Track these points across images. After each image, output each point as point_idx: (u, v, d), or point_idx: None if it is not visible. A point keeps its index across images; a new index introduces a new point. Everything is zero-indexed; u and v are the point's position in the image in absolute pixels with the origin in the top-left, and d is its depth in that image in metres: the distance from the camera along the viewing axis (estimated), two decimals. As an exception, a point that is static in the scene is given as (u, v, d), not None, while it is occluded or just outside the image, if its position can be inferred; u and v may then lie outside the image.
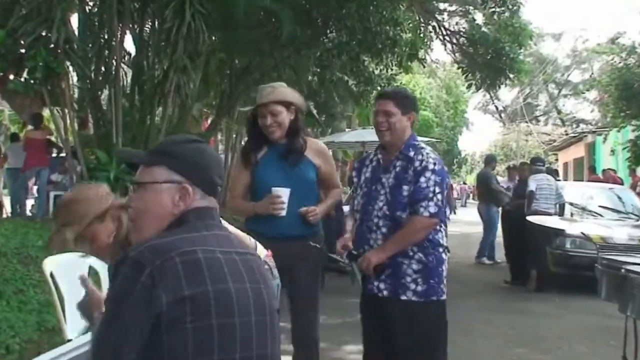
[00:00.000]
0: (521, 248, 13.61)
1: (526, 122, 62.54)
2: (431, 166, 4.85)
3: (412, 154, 4.94)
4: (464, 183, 67.89)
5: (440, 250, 4.99)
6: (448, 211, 5.43)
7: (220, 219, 2.77)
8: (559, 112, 71.11)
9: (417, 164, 4.88)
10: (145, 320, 2.32)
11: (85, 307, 2.98)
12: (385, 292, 4.97)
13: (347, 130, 26.81)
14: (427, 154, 4.92)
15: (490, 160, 18.54)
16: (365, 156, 5.44)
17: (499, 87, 21.84)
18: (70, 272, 5.12)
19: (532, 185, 13.35)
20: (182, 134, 3.10)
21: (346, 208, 16.32)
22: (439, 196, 4.83)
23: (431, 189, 4.81)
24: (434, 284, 4.92)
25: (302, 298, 5.44)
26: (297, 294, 5.41)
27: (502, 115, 76.43)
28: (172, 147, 2.72)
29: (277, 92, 5.33)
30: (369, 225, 5.04)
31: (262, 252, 4.32)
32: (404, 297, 4.90)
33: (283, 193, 5.16)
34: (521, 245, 13.56)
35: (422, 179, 4.83)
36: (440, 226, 4.99)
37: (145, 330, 2.32)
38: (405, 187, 4.88)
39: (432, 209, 4.80)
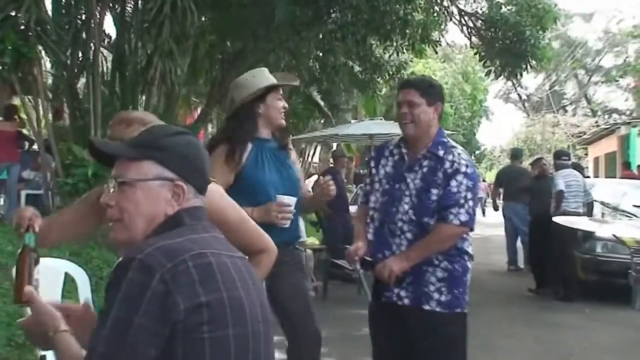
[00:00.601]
0: (546, 253, 13.57)
1: (552, 112, 62.49)
2: (463, 169, 4.83)
3: (441, 153, 4.91)
4: (484, 180, 67.78)
5: (466, 258, 4.99)
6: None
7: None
8: (589, 101, 71.09)
9: (447, 165, 4.85)
10: (160, 330, 2.29)
11: (34, 327, 2.67)
12: (406, 301, 4.94)
13: (352, 121, 26.75)
14: (459, 154, 4.89)
15: (518, 154, 18.55)
16: (384, 145, 5.34)
17: (520, 75, 21.75)
18: (45, 280, 5.11)
19: (560, 184, 13.21)
20: (166, 125, 3.06)
21: (353, 209, 16.44)
22: (471, 202, 4.83)
23: (462, 194, 4.80)
24: (458, 294, 4.92)
25: (300, 303, 5.42)
26: (294, 300, 5.37)
27: (526, 104, 76.48)
28: (161, 139, 2.66)
29: (289, 77, 5.36)
30: (392, 229, 4.98)
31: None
32: (426, 307, 4.88)
33: (291, 202, 5.09)
34: (546, 249, 13.52)
35: (453, 183, 4.81)
36: (468, 234, 4.99)
37: (161, 340, 2.30)
38: (434, 191, 4.85)
39: (463, 217, 4.80)
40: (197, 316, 2.32)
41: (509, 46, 19.29)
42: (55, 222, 4.09)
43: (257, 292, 2.62)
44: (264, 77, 5.33)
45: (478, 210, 5.98)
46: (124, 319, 2.30)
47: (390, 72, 21.60)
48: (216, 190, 4.01)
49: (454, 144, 5.02)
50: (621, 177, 24.36)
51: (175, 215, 2.60)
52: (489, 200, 47.73)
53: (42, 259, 3.10)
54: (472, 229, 4.91)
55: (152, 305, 2.28)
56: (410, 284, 4.91)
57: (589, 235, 12.88)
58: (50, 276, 5.45)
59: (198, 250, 2.43)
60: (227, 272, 2.48)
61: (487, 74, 22.18)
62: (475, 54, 21.75)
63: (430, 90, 5.01)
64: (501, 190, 18.57)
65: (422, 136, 4.98)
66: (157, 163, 2.60)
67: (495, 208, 18.32)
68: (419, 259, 4.85)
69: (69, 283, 5.68)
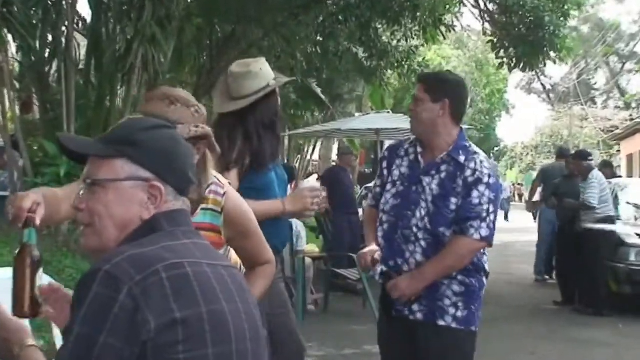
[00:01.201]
0: (575, 262, 13.53)
1: (581, 104, 62.48)
2: (486, 179, 4.84)
3: (462, 159, 4.92)
4: (514, 182, 67.69)
5: (482, 274, 5.01)
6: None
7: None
8: (622, 92, 71.03)
9: (468, 173, 4.87)
10: (129, 350, 2.25)
11: None
12: (418, 315, 4.96)
13: (356, 115, 26.69)
14: (481, 162, 4.90)
15: (565, 153, 18.50)
16: (399, 144, 5.36)
17: (537, 68, 21.50)
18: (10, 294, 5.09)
19: (596, 199, 13.07)
20: (144, 117, 3.03)
21: (360, 212, 16.42)
22: (492, 216, 4.85)
23: (485, 207, 4.81)
24: (474, 310, 4.94)
25: (285, 313, 5.50)
26: (279, 310, 5.44)
27: (551, 95, 76.40)
28: (136, 134, 2.61)
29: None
30: (406, 235, 4.97)
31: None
32: (441, 323, 4.90)
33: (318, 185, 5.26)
34: (575, 258, 13.48)
35: (475, 194, 4.83)
36: (485, 249, 5.01)
37: None
38: (453, 200, 4.87)
39: (484, 232, 4.81)
40: (170, 334, 2.28)
41: (525, 34, 19.11)
42: (65, 197, 3.81)
43: (246, 306, 2.58)
44: (269, 68, 5.43)
45: (500, 214, 5.97)
46: (88, 337, 2.26)
47: (399, 59, 21.52)
48: (238, 195, 4.07)
49: (476, 149, 5.03)
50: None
51: (151, 219, 2.56)
52: (515, 202, 47.32)
53: (8, 270, 3.03)
54: (490, 245, 4.92)
55: (119, 323, 2.24)
56: (424, 298, 4.92)
57: (622, 242, 12.84)
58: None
59: (173, 259, 2.39)
60: (207, 283, 2.44)
61: (500, 66, 21.89)
62: (489, 42, 21.50)
63: (437, 85, 5.02)
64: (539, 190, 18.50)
65: (427, 135, 5.03)
66: (131, 161, 2.57)
67: (530, 210, 18.22)
68: (434, 278, 4.87)
69: (39, 295, 5.66)
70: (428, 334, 4.94)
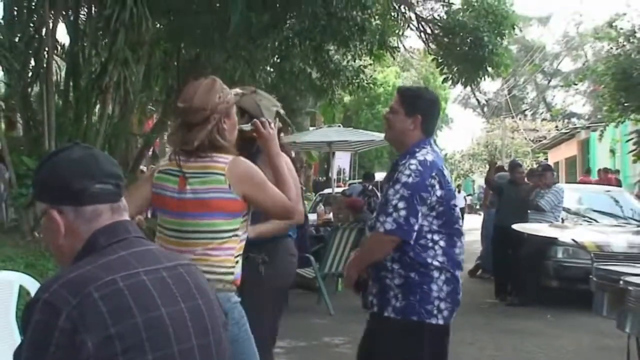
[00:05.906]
0: (510, 259, 13.60)
1: (512, 117, 62.78)
2: (404, 178, 4.80)
3: (401, 161, 4.96)
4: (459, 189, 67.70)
5: (428, 268, 4.87)
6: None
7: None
8: (548, 105, 71.62)
9: (397, 175, 4.86)
10: None
11: None
12: (375, 308, 5.00)
13: (310, 128, 26.78)
14: (410, 163, 4.84)
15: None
16: None
17: (478, 83, 21.91)
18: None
19: (553, 201, 13.40)
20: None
21: (312, 217, 16.34)
22: (403, 212, 4.75)
23: (393, 202, 4.77)
24: (414, 301, 4.85)
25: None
26: None
27: (485, 109, 76.86)
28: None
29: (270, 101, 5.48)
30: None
31: None
32: (386, 314, 4.90)
33: None
34: (510, 255, 13.57)
35: (390, 192, 4.83)
36: (427, 244, 4.87)
37: None
38: None
39: (389, 225, 4.76)
40: (108, 349, 2.28)
41: (467, 52, 19.40)
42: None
43: (192, 303, 2.56)
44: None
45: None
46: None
47: (349, 77, 21.52)
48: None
49: (422, 153, 4.94)
50: (579, 182, 24.55)
51: (90, 238, 2.54)
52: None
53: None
54: (404, 240, 4.79)
55: (61, 347, 2.26)
56: (377, 291, 4.97)
57: (550, 241, 12.91)
58: (5, 289, 5.40)
59: (106, 277, 2.37)
60: (142, 292, 2.42)
61: (445, 81, 22.33)
62: (433, 60, 21.88)
63: (413, 100, 5.04)
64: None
65: (396, 143, 5.15)
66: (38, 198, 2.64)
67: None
68: (360, 265, 5.05)
69: (24, 296, 5.61)
70: (377, 325, 5.00)
